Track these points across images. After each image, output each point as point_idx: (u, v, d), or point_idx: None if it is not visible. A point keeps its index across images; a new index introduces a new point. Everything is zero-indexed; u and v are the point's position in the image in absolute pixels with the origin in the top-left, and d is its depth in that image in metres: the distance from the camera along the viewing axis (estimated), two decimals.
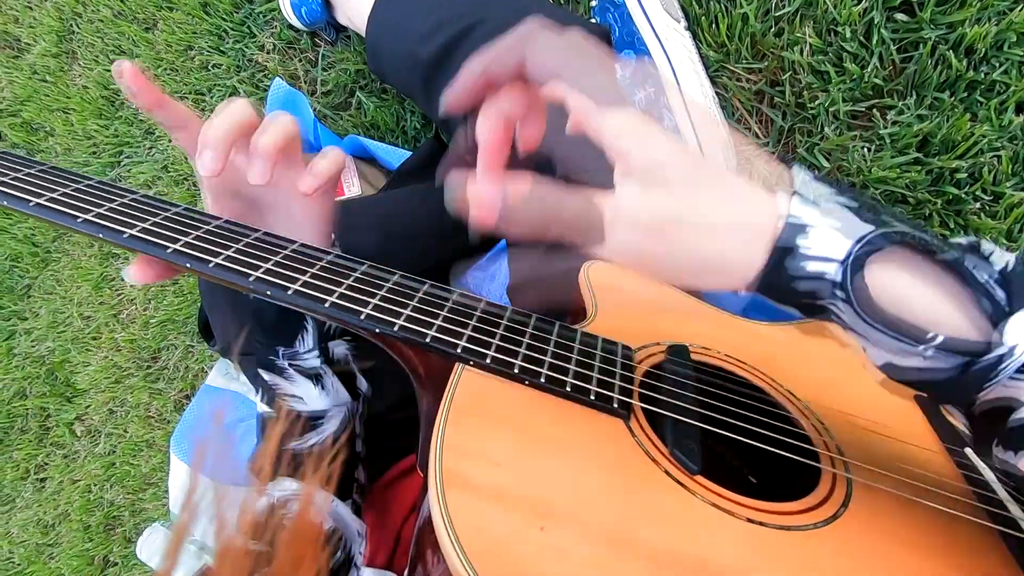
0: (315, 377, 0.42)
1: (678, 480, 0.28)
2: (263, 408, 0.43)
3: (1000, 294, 0.22)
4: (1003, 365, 0.21)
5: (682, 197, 0.23)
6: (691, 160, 0.24)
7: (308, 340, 0.42)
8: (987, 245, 0.23)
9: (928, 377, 0.23)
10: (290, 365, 0.42)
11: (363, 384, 0.48)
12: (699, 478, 0.28)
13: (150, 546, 0.99)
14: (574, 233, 0.25)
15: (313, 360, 0.42)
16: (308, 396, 0.42)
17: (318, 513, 0.30)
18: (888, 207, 0.24)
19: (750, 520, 0.27)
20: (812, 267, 0.23)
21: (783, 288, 0.23)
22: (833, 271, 0.22)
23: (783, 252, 0.23)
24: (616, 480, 0.27)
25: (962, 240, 0.24)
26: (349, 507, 0.44)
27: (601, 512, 0.25)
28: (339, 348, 0.44)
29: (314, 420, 0.42)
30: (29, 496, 1.21)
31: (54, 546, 1.18)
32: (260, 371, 0.42)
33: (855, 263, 0.22)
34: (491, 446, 0.26)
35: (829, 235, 0.22)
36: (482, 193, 0.25)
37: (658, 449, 0.29)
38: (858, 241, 0.22)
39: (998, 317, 0.22)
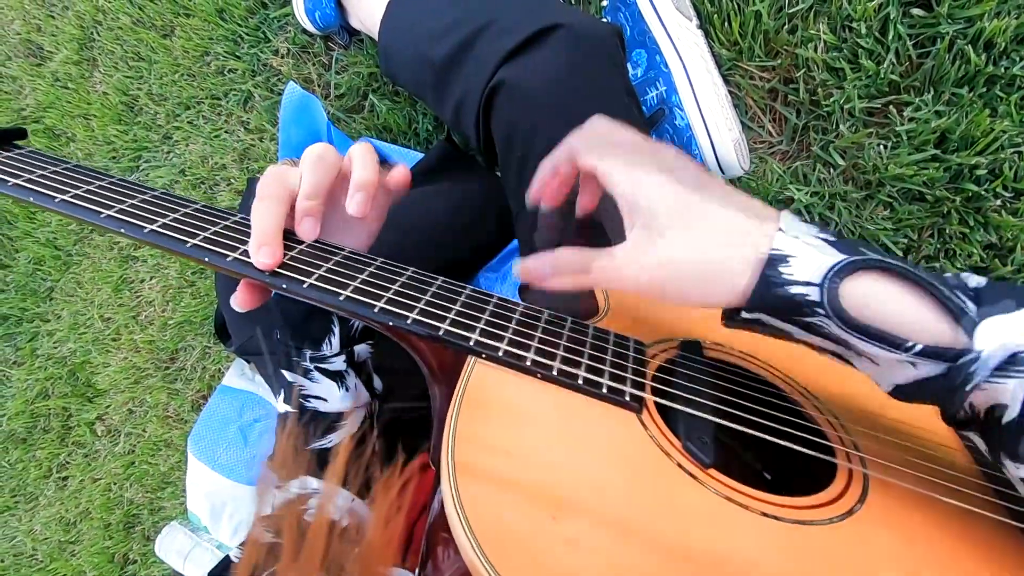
0: (339, 378, 0.43)
1: (691, 473, 0.27)
2: (283, 407, 0.44)
3: (971, 306, 0.25)
4: (974, 368, 0.24)
5: (681, 244, 0.28)
6: (684, 202, 0.28)
7: (335, 343, 0.42)
8: (965, 274, 0.27)
9: (924, 382, 0.26)
10: (316, 367, 0.42)
11: (378, 383, 0.48)
12: (712, 472, 0.28)
13: (168, 544, 1.01)
14: (600, 280, 0.31)
15: (339, 363, 0.42)
16: (331, 397, 0.43)
17: (339, 510, 0.31)
18: (869, 244, 0.28)
19: (764, 514, 0.26)
20: (794, 290, 0.26)
21: (769, 308, 0.27)
22: (812, 293, 0.26)
23: (767, 277, 0.26)
24: (628, 472, 0.27)
25: (947, 275, 0.27)
26: (368, 505, 0.44)
27: (613, 503, 0.25)
28: (363, 350, 0.45)
29: (335, 420, 0.43)
30: (51, 494, 1.24)
31: (76, 543, 1.20)
32: (283, 371, 0.43)
33: (831, 284, 0.26)
34: (503, 437, 0.26)
35: (808, 263, 0.26)
36: (533, 263, 0.32)
37: (671, 442, 0.29)
38: (834, 266, 0.26)
39: (969, 326, 0.24)
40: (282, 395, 0.44)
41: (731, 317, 0.29)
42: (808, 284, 0.26)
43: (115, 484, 1.15)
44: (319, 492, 0.40)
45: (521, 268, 0.32)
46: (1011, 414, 0.24)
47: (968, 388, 0.24)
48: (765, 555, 0.25)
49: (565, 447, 0.27)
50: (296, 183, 0.35)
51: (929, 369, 0.25)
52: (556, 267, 0.31)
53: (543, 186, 0.36)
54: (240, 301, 0.35)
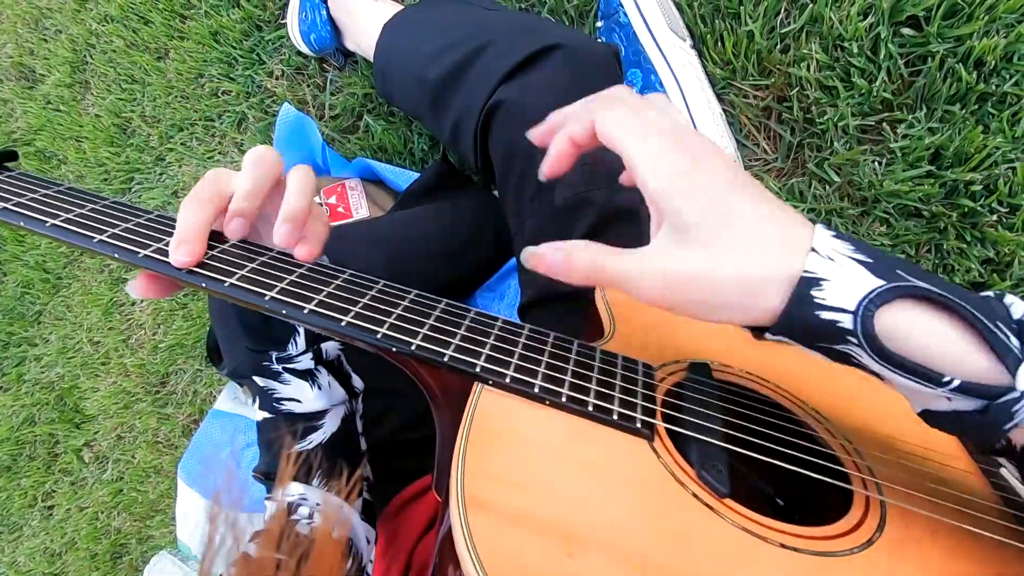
0: (310, 377, 0.43)
1: (707, 503, 0.27)
2: (260, 415, 0.44)
3: (1015, 342, 0.23)
4: (1016, 408, 0.23)
5: (708, 255, 0.26)
6: (719, 209, 0.26)
7: (300, 342, 0.42)
8: (1009, 298, 0.25)
9: (959, 415, 0.25)
10: (284, 369, 0.42)
11: (358, 382, 0.48)
12: (728, 501, 0.27)
13: (156, 574, 0.97)
14: (615, 283, 0.28)
15: (307, 361, 0.43)
16: (304, 397, 0.43)
17: (342, 525, 0.30)
18: (908, 263, 0.26)
19: (783, 546, 0.26)
20: (825, 316, 0.25)
21: (797, 334, 0.26)
22: (846, 321, 0.24)
23: (798, 301, 0.25)
24: (644, 503, 0.26)
25: (988, 293, 0.26)
26: (358, 508, 0.44)
27: (631, 537, 0.24)
28: (331, 347, 0.45)
29: (314, 420, 0.43)
30: (36, 524, 1.20)
31: (61, 575, 1.16)
32: (254, 377, 0.43)
33: (866, 313, 0.24)
34: (514, 469, 0.25)
35: (842, 288, 0.24)
36: (547, 253, 0.30)
37: (684, 472, 0.28)
38: (869, 293, 0.24)
39: (1013, 363, 0.23)
40: (257, 401, 0.44)
41: (756, 335, 0.28)
42: (841, 311, 0.24)
43: (102, 513, 1.12)
44: (305, 499, 0.40)
45: (531, 255, 0.30)
46: None
47: (1007, 427, 0.23)
48: None
49: (578, 478, 0.26)
50: (232, 188, 0.35)
51: (965, 404, 0.24)
52: (570, 263, 0.29)
53: (559, 158, 0.33)
54: (138, 289, 0.34)
